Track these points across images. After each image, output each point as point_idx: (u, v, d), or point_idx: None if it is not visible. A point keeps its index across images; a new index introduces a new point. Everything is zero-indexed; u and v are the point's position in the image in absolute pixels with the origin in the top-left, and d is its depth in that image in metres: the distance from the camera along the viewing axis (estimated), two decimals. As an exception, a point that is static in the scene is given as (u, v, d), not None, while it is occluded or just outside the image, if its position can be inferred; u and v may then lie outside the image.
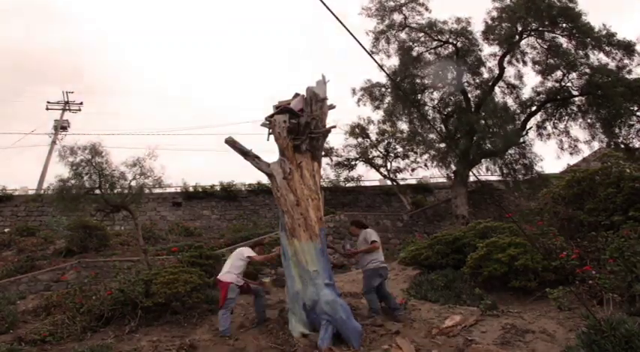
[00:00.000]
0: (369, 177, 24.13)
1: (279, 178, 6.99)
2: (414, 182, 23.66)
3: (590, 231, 7.29)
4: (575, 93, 17.25)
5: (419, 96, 18.55)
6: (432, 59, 18.51)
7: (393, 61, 31.35)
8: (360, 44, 3.42)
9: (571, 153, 17.77)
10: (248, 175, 25.46)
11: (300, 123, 7.32)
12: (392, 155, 20.67)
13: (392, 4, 18.38)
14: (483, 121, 16.90)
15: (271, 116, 7.71)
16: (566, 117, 17.81)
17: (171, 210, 21.13)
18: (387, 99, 19.23)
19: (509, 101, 18.34)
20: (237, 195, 22.09)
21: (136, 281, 7.18)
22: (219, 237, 17.53)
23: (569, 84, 17.21)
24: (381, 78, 19.42)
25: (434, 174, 26.61)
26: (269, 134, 7.74)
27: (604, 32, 16.29)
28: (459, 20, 17.89)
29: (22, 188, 22.41)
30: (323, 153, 7.86)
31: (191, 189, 21.90)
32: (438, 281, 7.62)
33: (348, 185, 22.52)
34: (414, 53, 18.37)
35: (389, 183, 21.61)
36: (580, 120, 17.41)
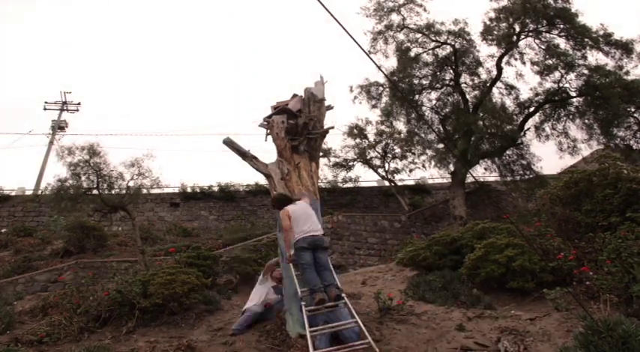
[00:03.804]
0: (367, 177, 24.18)
1: (277, 179, 6.99)
2: (411, 183, 23.71)
3: (587, 232, 7.30)
4: (573, 94, 17.32)
5: (417, 96, 18.59)
6: (430, 60, 18.55)
7: (391, 62, 31.54)
8: (359, 45, 3.42)
9: (570, 154, 17.85)
10: (246, 176, 25.45)
11: (298, 124, 7.32)
12: (390, 156, 20.69)
13: (390, 4, 18.46)
14: (481, 122, 16.94)
15: (269, 117, 7.72)
16: (565, 118, 17.88)
17: (169, 210, 21.11)
18: (385, 98, 19.28)
19: (508, 102, 18.45)
20: (235, 195, 22.09)
21: (134, 281, 7.16)
22: (217, 237, 17.52)
23: (567, 85, 17.30)
24: (379, 78, 19.50)
25: (432, 174, 26.61)
26: (267, 134, 7.75)
27: (601, 32, 16.38)
28: (456, 21, 18.00)
29: (20, 188, 22.37)
30: (321, 153, 7.87)
31: (189, 189, 21.90)
32: (435, 282, 7.61)
33: (346, 186, 22.56)
34: (412, 54, 18.41)
35: (387, 183, 21.63)
36: (578, 121, 17.48)
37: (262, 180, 19.40)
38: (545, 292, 5.88)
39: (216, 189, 22.02)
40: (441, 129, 18.57)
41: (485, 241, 7.49)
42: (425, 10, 18.30)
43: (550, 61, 17.30)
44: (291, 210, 5.94)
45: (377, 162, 20.93)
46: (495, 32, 17.63)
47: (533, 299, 6.40)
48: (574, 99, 17.50)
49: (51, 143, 27.56)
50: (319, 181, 8.19)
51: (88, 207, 13.07)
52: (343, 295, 5.46)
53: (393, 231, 16.85)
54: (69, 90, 33.74)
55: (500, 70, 17.86)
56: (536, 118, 18.24)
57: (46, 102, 30.18)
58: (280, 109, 7.57)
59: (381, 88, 19.38)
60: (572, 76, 17.03)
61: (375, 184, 23.78)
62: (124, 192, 12.84)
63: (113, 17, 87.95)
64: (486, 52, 18.72)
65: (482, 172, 19.45)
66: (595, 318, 3.97)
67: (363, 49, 3.63)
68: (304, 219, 5.80)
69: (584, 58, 16.66)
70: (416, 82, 18.43)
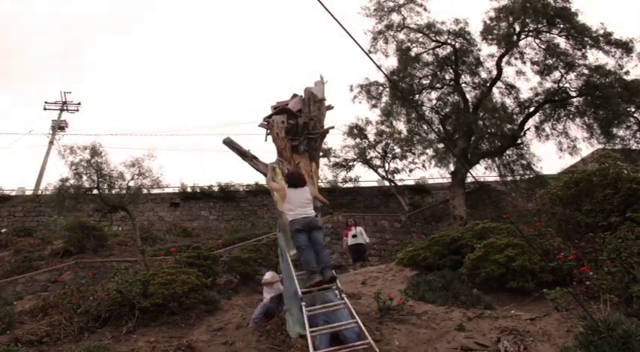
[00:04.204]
0: (367, 177, 24.16)
1: (277, 179, 6.97)
2: (412, 183, 23.70)
3: (587, 231, 7.30)
4: (573, 93, 17.31)
5: (417, 96, 18.59)
6: (431, 60, 18.55)
7: (391, 62, 31.56)
8: (359, 45, 3.42)
9: (570, 154, 17.84)
10: (246, 176, 25.48)
11: (298, 124, 7.32)
12: (390, 156, 20.68)
13: (390, 4, 18.45)
14: (481, 122, 16.93)
15: (269, 117, 7.70)
16: (565, 118, 17.87)
17: (169, 210, 21.10)
18: (385, 98, 19.29)
19: (508, 101, 18.44)
20: (235, 195, 22.08)
21: (134, 281, 7.16)
22: (217, 237, 17.52)
23: (567, 85, 17.29)
24: (379, 77, 19.50)
25: (432, 174, 26.59)
26: (267, 134, 7.74)
27: (601, 31, 16.39)
28: (457, 21, 17.98)
29: (20, 188, 22.39)
30: (321, 153, 7.87)
31: (189, 189, 21.90)
32: (435, 282, 7.61)
33: (346, 185, 22.55)
34: (412, 53, 18.40)
35: (387, 183, 21.62)
36: (578, 120, 17.47)
37: (262, 180, 19.35)
38: (545, 292, 5.88)
39: (216, 189, 22.02)
40: (441, 128, 18.58)
41: (485, 241, 7.48)
42: (425, 9, 18.31)
43: (550, 61, 17.30)
44: (290, 192, 6.13)
45: (377, 162, 20.92)
46: (495, 32, 17.63)
47: (533, 299, 6.40)
48: (574, 99, 17.50)
49: (51, 143, 27.57)
50: (319, 181, 8.19)
51: (89, 207, 13.07)
52: (338, 284, 5.58)
53: (393, 231, 16.84)
54: (69, 91, 33.65)
55: (500, 69, 17.86)
56: (536, 118, 18.25)
57: (46, 102, 30.22)
58: (280, 109, 7.56)
59: (381, 88, 19.38)
60: (572, 75, 17.04)
61: (375, 184, 23.77)
62: (124, 191, 12.84)
63: (113, 17, 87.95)
64: (486, 51, 18.71)
65: (483, 172, 19.50)
66: (595, 318, 3.97)
67: (363, 49, 3.63)
68: (299, 202, 5.98)
69: (584, 57, 16.66)
70: (416, 81, 18.43)
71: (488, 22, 17.87)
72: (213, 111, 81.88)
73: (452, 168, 18.30)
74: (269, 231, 15.65)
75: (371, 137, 20.90)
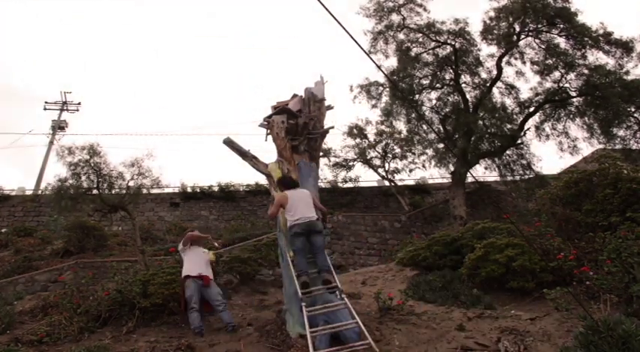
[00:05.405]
0: (367, 177, 24.14)
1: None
2: (412, 183, 23.67)
3: (587, 231, 7.30)
4: (573, 93, 17.30)
5: (417, 96, 18.58)
6: (430, 60, 18.54)
7: (392, 62, 31.53)
8: (359, 45, 3.42)
9: (571, 154, 17.85)
10: (246, 176, 25.46)
11: (298, 124, 7.32)
12: (390, 156, 20.64)
13: (390, 4, 18.42)
14: (481, 122, 16.94)
15: (269, 117, 7.70)
16: (565, 118, 17.87)
17: (169, 210, 21.09)
18: (385, 98, 19.29)
19: (508, 101, 18.43)
20: (235, 195, 22.06)
21: (134, 281, 7.16)
22: (217, 237, 17.49)
23: (567, 85, 17.28)
24: (379, 77, 19.49)
25: (432, 174, 26.57)
26: (267, 134, 7.74)
27: (601, 31, 16.38)
28: (457, 21, 17.95)
29: (20, 188, 22.36)
30: (321, 153, 7.86)
31: (189, 189, 21.86)
32: (435, 282, 7.61)
33: (346, 185, 22.52)
34: (412, 53, 18.39)
35: (387, 183, 21.60)
36: (578, 120, 17.47)
37: (262, 180, 19.35)
38: (545, 292, 5.88)
39: (216, 189, 21.98)
40: (441, 128, 18.58)
41: (485, 241, 7.49)
42: (425, 9, 18.27)
43: (550, 61, 17.30)
44: (290, 195, 6.14)
45: (377, 162, 20.88)
46: (495, 32, 17.62)
47: (533, 299, 6.40)
48: (574, 99, 17.49)
49: (51, 143, 27.53)
50: (319, 181, 8.19)
51: (88, 207, 13.07)
52: (338, 284, 5.59)
53: (393, 231, 16.84)
54: (69, 90, 33.59)
55: (500, 69, 17.85)
56: (536, 118, 18.24)
57: (46, 102, 30.14)
58: (280, 109, 7.56)
59: (381, 88, 19.37)
60: (572, 75, 17.02)
61: (375, 184, 23.74)
62: (124, 191, 12.84)
63: (113, 17, 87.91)
64: (486, 51, 18.71)
65: (483, 172, 19.49)
66: (595, 318, 3.98)
67: (363, 49, 3.63)
68: (300, 204, 6.01)
69: (584, 57, 16.66)
70: (416, 81, 18.43)
71: (488, 22, 17.87)
72: (214, 111, 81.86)
73: (452, 168, 18.30)
74: (269, 231, 15.63)
75: (371, 137, 20.87)
